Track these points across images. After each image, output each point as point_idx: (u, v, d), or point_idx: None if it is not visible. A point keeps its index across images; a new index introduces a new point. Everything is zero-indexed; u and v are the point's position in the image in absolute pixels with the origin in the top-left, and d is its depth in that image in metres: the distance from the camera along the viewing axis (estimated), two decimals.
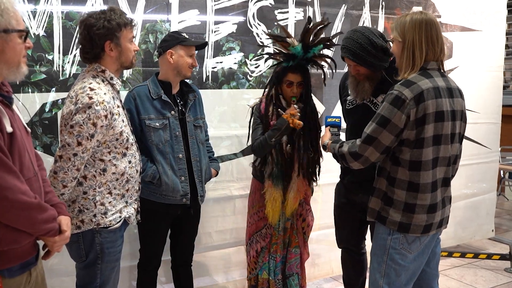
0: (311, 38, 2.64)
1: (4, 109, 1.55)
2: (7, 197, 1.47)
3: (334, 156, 2.31)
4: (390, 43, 2.24)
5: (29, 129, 1.73)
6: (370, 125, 2.10)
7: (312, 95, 3.40)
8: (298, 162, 2.76)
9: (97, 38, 2.09)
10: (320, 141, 2.48)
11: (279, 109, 2.73)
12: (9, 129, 1.52)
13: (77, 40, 2.25)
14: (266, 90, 2.79)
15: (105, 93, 2.06)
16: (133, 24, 2.22)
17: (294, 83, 2.69)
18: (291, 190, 2.78)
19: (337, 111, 3.30)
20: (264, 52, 2.97)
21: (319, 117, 3.49)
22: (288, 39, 2.67)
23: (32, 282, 1.67)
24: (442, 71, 2.12)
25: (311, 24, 2.62)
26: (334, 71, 2.76)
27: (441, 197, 2.15)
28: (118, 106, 2.16)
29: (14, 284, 1.58)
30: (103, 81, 2.12)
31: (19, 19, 1.57)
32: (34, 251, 1.67)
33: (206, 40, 3.05)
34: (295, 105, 2.66)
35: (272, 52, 2.88)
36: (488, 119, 4.38)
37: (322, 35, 2.68)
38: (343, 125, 2.77)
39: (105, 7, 2.68)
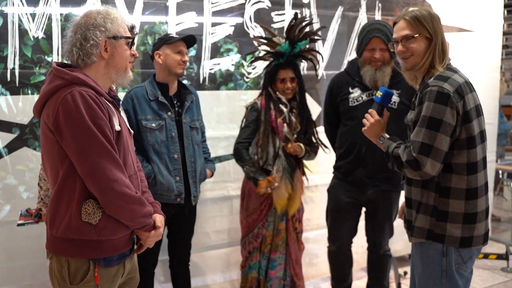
0: (295, 34, 2.77)
1: (114, 110, 1.67)
2: (114, 189, 1.56)
3: (386, 154, 1.99)
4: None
5: (131, 131, 1.83)
6: (418, 131, 1.84)
7: (309, 96, 3.43)
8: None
9: None
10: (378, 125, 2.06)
11: (280, 105, 2.81)
12: (117, 127, 1.65)
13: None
14: (262, 92, 2.89)
15: None
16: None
17: (287, 78, 2.81)
18: (296, 188, 2.87)
19: None
20: (253, 57, 3.05)
21: (319, 116, 3.53)
22: (274, 38, 2.82)
23: (125, 274, 1.75)
24: None
25: (296, 20, 2.76)
26: (320, 64, 2.93)
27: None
28: None
29: (109, 273, 1.66)
30: None
31: (125, 28, 1.73)
32: (130, 244, 1.75)
33: (200, 38, 3.06)
34: (271, 187, 2.77)
35: (261, 55, 2.96)
36: (486, 119, 4.36)
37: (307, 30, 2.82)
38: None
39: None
